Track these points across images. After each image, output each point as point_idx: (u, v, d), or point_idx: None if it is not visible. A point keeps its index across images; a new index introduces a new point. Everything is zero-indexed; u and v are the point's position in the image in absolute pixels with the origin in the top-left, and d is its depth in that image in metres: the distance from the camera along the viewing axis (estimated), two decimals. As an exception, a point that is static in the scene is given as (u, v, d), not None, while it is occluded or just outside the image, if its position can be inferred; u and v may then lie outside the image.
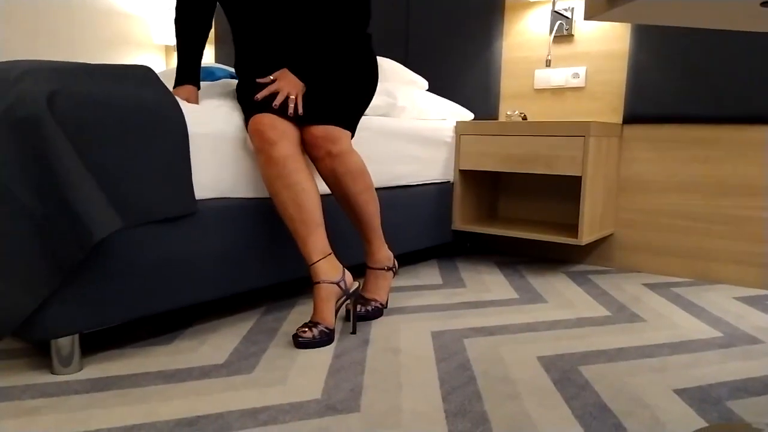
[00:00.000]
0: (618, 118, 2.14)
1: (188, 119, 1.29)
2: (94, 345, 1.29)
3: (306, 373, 1.14)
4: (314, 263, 1.32)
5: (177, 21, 1.55)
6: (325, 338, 1.30)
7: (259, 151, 1.33)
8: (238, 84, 1.54)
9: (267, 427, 0.93)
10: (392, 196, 1.88)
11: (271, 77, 1.41)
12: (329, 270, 1.33)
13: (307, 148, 1.40)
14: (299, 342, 1.28)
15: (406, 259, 2.27)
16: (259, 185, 1.46)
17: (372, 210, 1.46)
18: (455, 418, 0.97)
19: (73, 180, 1.04)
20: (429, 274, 2.00)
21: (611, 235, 2.17)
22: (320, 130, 1.38)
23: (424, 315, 1.53)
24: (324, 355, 1.24)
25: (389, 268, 1.53)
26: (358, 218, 1.46)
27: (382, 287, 1.53)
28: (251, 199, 1.44)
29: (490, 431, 0.93)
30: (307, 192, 1.32)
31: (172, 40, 3.19)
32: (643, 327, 1.47)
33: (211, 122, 1.36)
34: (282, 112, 1.36)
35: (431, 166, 2.06)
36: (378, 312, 1.49)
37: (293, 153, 1.33)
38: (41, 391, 1.05)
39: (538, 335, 1.39)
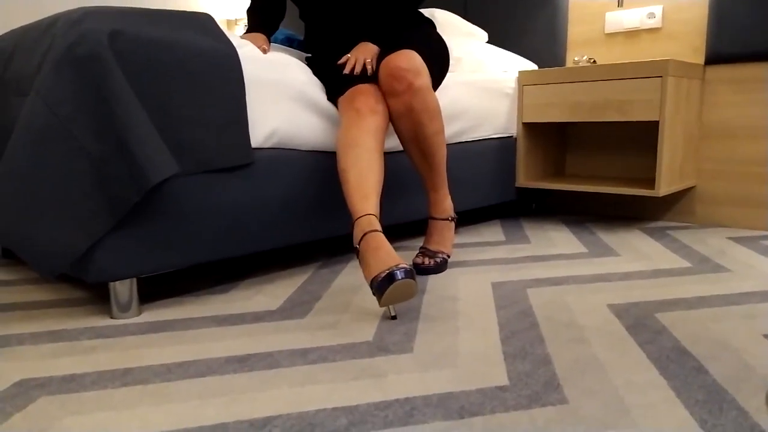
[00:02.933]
0: (699, 59, 1.96)
1: (249, 66, 1.29)
2: (153, 294, 1.31)
3: (358, 319, 1.12)
4: (371, 215, 1.15)
5: (249, 11, 1.62)
6: (414, 279, 1.06)
7: (358, 112, 1.31)
8: (309, 59, 1.59)
9: (316, 365, 0.91)
10: (451, 152, 1.83)
11: (348, 55, 1.44)
12: (378, 225, 1.18)
13: (386, 83, 1.35)
14: (398, 272, 1.02)
15: (467, 217, 2.21)
16: (318, 137, 1.44)
17: (443, 154, 1.42)
18: (515, 359, 0.91)
19: (131, 121, 1.06)
20: (491, 231, 1.95)
21: (692, 188, 2.01)
22: (404, 60, 1.33)
23: (485, 268, 1.48)
24: (377, 302, 1.21)
25: (452, 219, 1.49)
26: (428, 162, 1.41)
27: (448, 238, 1.49)
28: (308, 152, 1.43)
29: (553, 373, 0.87)
30: (376, 158, 1.25)
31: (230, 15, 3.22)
32: (729, 277, 1.35)
33: (273, 71, 1.36)
34: (363, 76, 1.39)
35: (492, 121, 1.98)
36: (444, 264, 1.45)
37: (382, 126, 1.32)
38: (98, 333, 1.07)
39: (608, 285, 1.31)
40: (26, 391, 0.84)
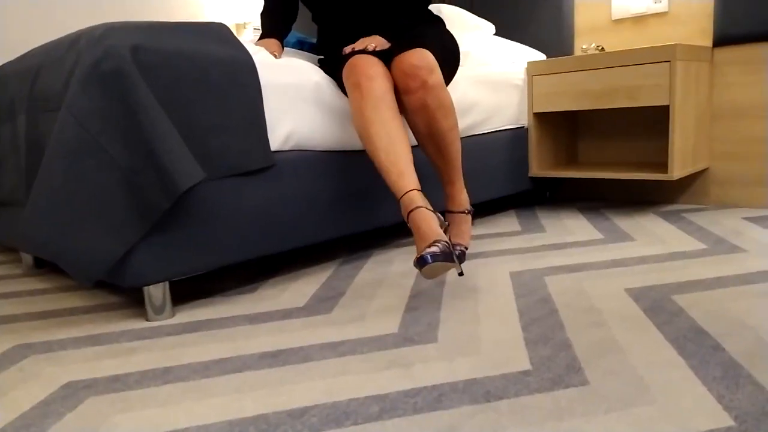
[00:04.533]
0: (708, 41, 1.97)
1: (264, 71, 1.33)
2: (185, 295, 1.36)
3: (382, 312, 1.16)
4: (410, 191, 1.22)
5: (263, 14, 1.67)
6: (451, 251, 1.12)
7: (356, 87, 1.32)
8: (322, 61, 1.62)
9: (346, 357, 0.95)
10: (465, 145, 1.84)
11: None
12: (424, 200, 1.25)
13: (400, 81, 1.37)
14: (427, 257, 1.08)
15: (483, 209, 2.23)
16: (335, 137, 1.47)
17: (457, 148, 1.45)
18: (536, 345, 0.95)
19: (158, 132, 1.10)
20: (507, 222, 1.97)
21: (706, 170, 2.01)
22: (417, 58, 1.34)
23: (503, 258, 1.51)
24: (400, 295, 1.25)
25: (469, 211, 1.52)
26: (445, 157, 1.44)
27: (465, 231, 1.51)
28: (325, 152, 1.47)
29: (574, 356, 0.90)
30: (399, 127, 1.29)
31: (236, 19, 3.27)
32: (745, 257, 1.37)
33: (287, 74, 1.39)
34: (360, 52, 1.39)
35: (503, 113, 2.00)
36: (463, 256, 1.47)
37: (389, 90, 1.33)
38: (137, 335, 1.12)
39: (625, 269, 1.33)
40: (75, 392, 0.89)
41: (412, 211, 1.18)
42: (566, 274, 1.32)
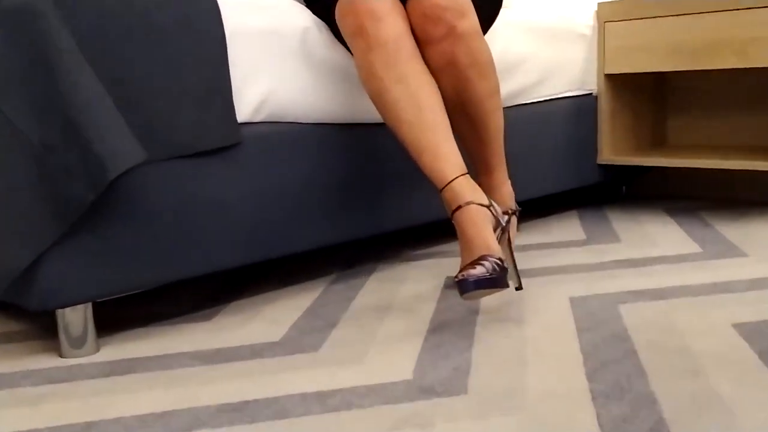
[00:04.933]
0: None
1: (231, 12, 1.32)
2: (114, 323, 1.34)
3: (391, 350, 1.15)
4: (454, 180, 1.25)
5: None
6: (502, 274, 1.18)
7: (358, 33, 1.31)
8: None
9: (339, 413, 0.94)
10: (506, 120, 1.80)
11: None
12: (474, 190, 1.27)
13: (418, 26, 1.35)
14: (470, 283, 1.13)
15: (532, 209, 2.21)
16: (329, 104, 1.46)
17: (499, 122, 1.44)
18: (607, 399, 0.94)
19: (82, 95, 1.08)
20: (565, 227, 1.96)
21: None
22: None
23: (561, 277, 1.50)
24: (415, 327, 1.24)
25: (514, 212, 1.50)
26: (479, 134, 1.43)
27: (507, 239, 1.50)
28: (314, 125, 1.45)
29: (660, 417, 0.89)
30: (428, 86, 1.30)
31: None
32: None
33: (263, 16, 1.38)
34: None
35: (561, 74, 1.99)
36: (503, 276, 1.45)
37: (406, 32, 1.32)
38: (46, 377, 1.12)
39: (733, 297, 1.32)
40: (-41, 455, 0.89)
41: (457, 209, 1.22)
42: (649, 302, 1.31)
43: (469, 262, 1.19)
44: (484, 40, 1.38)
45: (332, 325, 1.28)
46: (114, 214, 1.18)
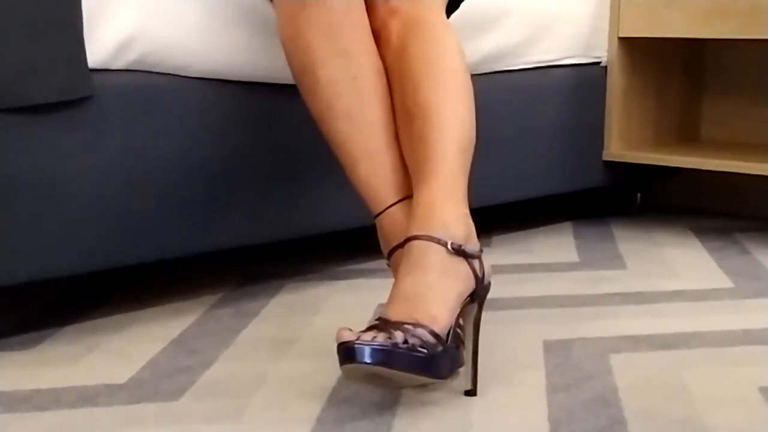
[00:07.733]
0: None
1: None
2: None
3: (279, 416, 1.09)
4: (391, 206, 1.24)
5: None
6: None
7: None
8: None
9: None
10: (485, 89, 1.70)
11: None
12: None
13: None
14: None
15: (510, 214, 2.16)
16: (226, 52, 1.42)
17: (454, 108, 1.34)
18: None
19: None
20: (553, 243, 1.93)
21: None
22: None
23: (536, 312, 1.45)
24: (321, 380, 1.19)
25: (471, 254, 1.35)
26: (421, 129, 1.33)
27: (451, 295, 1.29)
28: (201, 80, 1.40)
29: None
30: (376, 70, 1.29)
31: None
32: None
33: None
34: None
35: (558, 32, 1.95)
36: (429, 358, 1.24)
37: (358, 6, 1.30)
38: None
39: (764, 351, 1.28)
40: None
41: (395, 249, 1.20)
42: (652, 353, 1.27)
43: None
44: (447, 26, 1.37)
45: (206, 364, 1.22)
46: None
